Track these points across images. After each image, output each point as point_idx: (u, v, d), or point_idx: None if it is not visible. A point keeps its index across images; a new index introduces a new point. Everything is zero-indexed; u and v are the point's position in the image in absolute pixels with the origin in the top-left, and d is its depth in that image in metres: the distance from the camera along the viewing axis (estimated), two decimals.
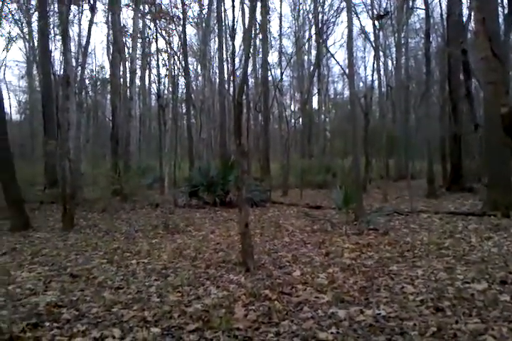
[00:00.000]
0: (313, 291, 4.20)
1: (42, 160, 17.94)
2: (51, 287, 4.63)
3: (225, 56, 23.11)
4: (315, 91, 29.77)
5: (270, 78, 23.10)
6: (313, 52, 28.93)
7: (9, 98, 34.11)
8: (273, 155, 23.13)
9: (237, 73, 20.28)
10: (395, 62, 26.27)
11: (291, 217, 9.95)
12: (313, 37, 26.72)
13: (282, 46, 27.50)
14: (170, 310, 3.77)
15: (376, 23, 19.93)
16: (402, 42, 22.13)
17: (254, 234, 6.98)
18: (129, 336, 3.25)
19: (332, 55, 24.41)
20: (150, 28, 23.41)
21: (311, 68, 27.99)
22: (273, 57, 46.23)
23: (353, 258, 5.59)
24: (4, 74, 19.69)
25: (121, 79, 17.87)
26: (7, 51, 36.31)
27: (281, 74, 23.04)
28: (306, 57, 30.66)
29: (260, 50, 23.50)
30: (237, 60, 26.79)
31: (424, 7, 16.65)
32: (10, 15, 24.84)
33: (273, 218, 9.84)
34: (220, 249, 6.41)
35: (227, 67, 27.48)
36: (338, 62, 39.36)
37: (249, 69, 24.00)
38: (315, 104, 32.64)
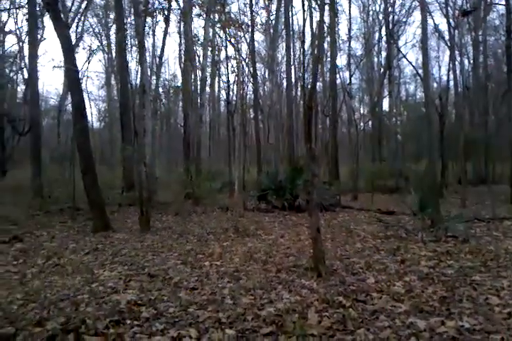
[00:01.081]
0: (389, 300, 4.05)
1: (120, 165, 18.98)
2: (131, 286, 4.84)
3: (292, 60, 23.12)
4: (385, 93, 28.92)
5: (338, 81, 22.78)
6: (384, 53, 28.13)
7: (90, 107, 36.47)
8: (342, 159, 22.73)
9: (305, 77, 20.16)
10: (472, 61, 24.87)
11: (363, 222, 9.70)
12: (384, 38, 26.01)
13: (351, 48, 27.05)
14: (243, 313, 3.80)
15: (459, 19, 18.90)
16: (480, 40, 20.92)
17: (324, 239, 6.88)
18: (205, 337, 3.31)
19: (404, 56, 23.66)
20: (220, 36, 24.02)
21: (382, 70, 27.25)
22: (341, 60, 45.54)
23: (430, 266, 5.33)
24: (86, 84, 21.35)
25: (193, 87, 18.48)
26: (88, 63, 38.96)
27: (350, 77, 22.63)
28: (376, 59, 29.94)
29: (328, 53, 23.26)
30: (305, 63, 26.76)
31: (504, 3, 15.64)
32: (91, 29, 26.72)
33: (343, 223, 9.66)
34: (290, 254, 6.38)
35: (295, 71, 27.52)
36: (410, 63, 37.79)
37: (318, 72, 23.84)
38: (385, 107, 31.70)
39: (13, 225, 9.84)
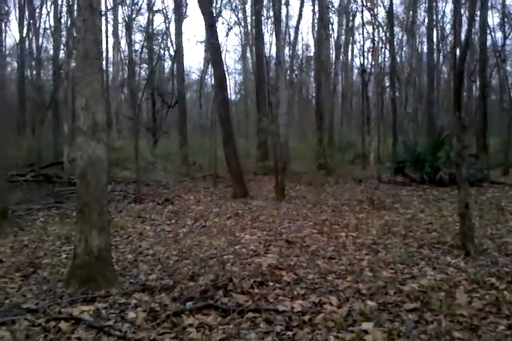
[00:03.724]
0: None
1: (254, 136, 19.71)
2: (270, 250, 5.08)
3: (434, 22, 21.14)
4: None
5: (489, 43, 20.23)
6: None
7: (228, 80, 38.15)
8: (491, 130, 20.44)
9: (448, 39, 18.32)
10: None
11: None
12: None
13: (505, 6, 23.64)
14: (384, 286, 3.73)
15: None
16: None
17: (471, 216, 6.35)
18: (346, 305, 3.33)
19: None
20: (356, 1, 22.92)
21: None
22: (493, 19, 40.29)
23: None
24: (224, 58, 22.22)
25: (326, 56, 18.09)
26: (227, 37, 40.39)
27: (505, 38, 19.94)
28: None
29: (478, 12, 20.68)
30: (448, 25, 24.36)
31: None
32: (228, 5, 27.55)
33: (493, 200, 8.79)
34: (432, 229, 6.05)
35: (437, 34, 25.19)
36: None
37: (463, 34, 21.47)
38: None
39: (165, 189, 10.96)
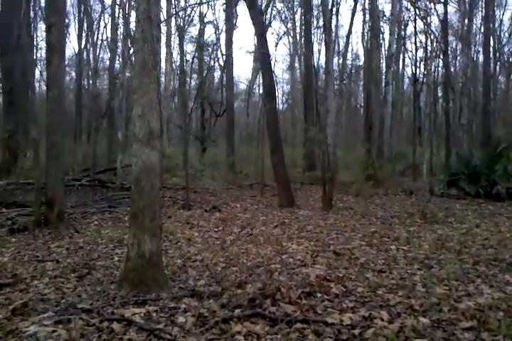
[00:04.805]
0: None
1: (301, 146, 19.66)
2: (318, 261, 5.01)
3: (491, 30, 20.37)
4: None
5: None
6: None
7: (276, 89, 38.32)
8: None
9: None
10: None
11: None
12: None
13: None
14: (438, 303, 3.58)
15: None
16: None
17: None
18: (397, 321, 3.22)
19: None
20: (408, 10, 22.50)
21: None
22: None
23: None
24: (273, 67, 22.32)
25: (376, 65, 17.82)
26: (276, 47, 40.70)
27: None
28: None
29: None
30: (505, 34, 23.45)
31: None
32: (278, 15, 27.87)
33: None
34: (489, 246, 5.76)
35: (494, 42, 24.23)
36: None
37: None
38: None
39: (212, 196, 11.11)
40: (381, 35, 20.20)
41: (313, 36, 24.87)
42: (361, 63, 28.32)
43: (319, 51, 26.79)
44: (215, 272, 4.57)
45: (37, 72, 22.25)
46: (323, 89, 17.76)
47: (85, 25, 23.28)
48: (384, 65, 17.55)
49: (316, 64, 20.37)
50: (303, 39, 22.40)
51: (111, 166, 13.58)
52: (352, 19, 14.35)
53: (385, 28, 23.83)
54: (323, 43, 23.81)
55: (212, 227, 7.34)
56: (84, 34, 23.49)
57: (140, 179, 3.94)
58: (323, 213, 8.80)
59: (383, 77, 17.43)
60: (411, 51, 26.31)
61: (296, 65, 32.15)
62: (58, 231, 6.80)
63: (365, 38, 24.55)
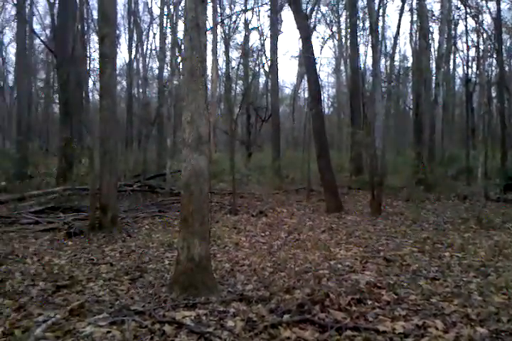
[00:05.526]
0: None
1: (347, 150, 19.38)
2: (367, 267, 4.90)
3: None
4: None
5: None
6: None
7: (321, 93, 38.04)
8: None
9: None
10: None
11: None
12: None
13: None
14: (497, 312, 3.42)
15: None
16: None
17: None
18: (453, 330, 3.10)
19: None
20: (458, 8, 21.74)
21: None
22: None
23: None
24: (318, 71, 21.91)
25: (426, 66, 17.30)
26: (321, 51, 40.48)
27: None
28: None
29: None
30: None
31: None
32: (323, 19, 27.69)
33: None
34: None
35: None
36: None
37: None
38: None
39: (259, 201, 11.15)
40: (430, 35, 19.57)
41: (359, 38, 24.59)
42: (409, 64, 27.58)
43: (366, 53, 26.27)
44: (263, 277, 4.58)
45: (90, 83, 23.32)
46: (370, 92, 17.45)
47: (135, 35, 24.17)
48: (434, 65, 17.01)
49: (362, 66, 20.09)
50: (348, 42, 22.17)
51: (160, 172, 13.94)
52: (399, 20, 14.12)
53: (434, 27, 23.20)
54: (369, 45, 23.51)
55: (259, 232, 7.35)
56: (134, 44, 24.39)
57: (189, 184, 4.02)
58: (371, 218, 8.61)
59: (433, 77, 16.89)
60: (462, 51, 25.39)
61: (342, 67, 31.78)
62: (112, 235, 7.03)
63: (414, 38, 23.89)
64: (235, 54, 37.19)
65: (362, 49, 28.76)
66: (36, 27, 25.53)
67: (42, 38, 19.82)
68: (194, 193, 4.00)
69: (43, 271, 4.97)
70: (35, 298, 3.98)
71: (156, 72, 22.68)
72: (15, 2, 18.70)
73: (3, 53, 28.75)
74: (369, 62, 35.44)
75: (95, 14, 20.11)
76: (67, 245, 6.49)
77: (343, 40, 28.14)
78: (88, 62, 21.45)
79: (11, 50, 31.53)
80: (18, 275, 4.76)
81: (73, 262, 5.42)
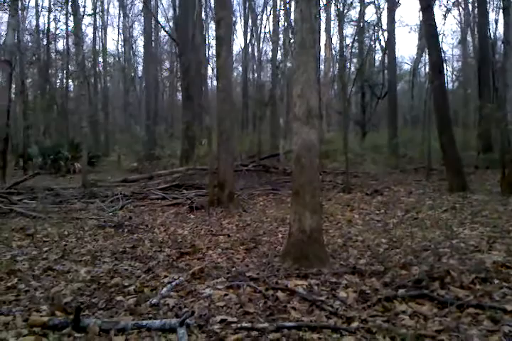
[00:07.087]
0: None
1: (474, 126, 17.75)
2: (495, 247, 4.49)
3: None
4: None
5: None
6: None
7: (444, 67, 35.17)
8: None
9: None
10: None
11: None
12: None
13: None
14: None
15: None
16: None
17: None
18: None
19: None
20: None
21: None
22: None
23: None
24: (441, 43, 19.74)
25: None
26: (444, 20, 37.30)
27: None
28: None
29: None
30: None
31: None
32: None
33: None
34: None
35: None
36: None
37: None
38: None
39: (374, 180, 10.81)
40: None
41: (488, 4, 22.12)
42: None
43: (496, 21, 23.49)
44: (377, 253, 4.45)
45: (209, 68, 24.46)
46: (501, 62, 15.66)
47: (250, 20, 24.64)
48: None
49: (492, 35, 18.07)
50: (476, 10, 20.04)
51: (274, 152, 14.23)
52: None
53: None
54: (500, 11, 20.98)
55: (374, 210, 7.14)
56: (249, 29, 24.91)
57: (300, 156, 4.03)
58: (502, 198, 7.82)
59: None
60: None
61: (469, 38, 28.92)
62: (229, 210, 7.41)
63: None
64: (349, 31, 36.04)
65: (492, 16, 25.75)
66: (161, 20, 27.30)
67: (166, 29, 21.20)
68: (305, 166, 4.00)
69: (169, 239, 5.45)
70: (162, 262, 4.36)
71: (270, 54, 22.97)
72: None
73: (133, 46, 31.36)
74: (500, 29, 31.70)
75: (213, 2, 20.89)
76: (190, 218, 7.00)
77: (470, 7, 25.52)
78: (207, 49, 22.49)
79: (140, 43, 34.19)
80: (148, 243, 5.28)
81: (195, 233, 5.84)
